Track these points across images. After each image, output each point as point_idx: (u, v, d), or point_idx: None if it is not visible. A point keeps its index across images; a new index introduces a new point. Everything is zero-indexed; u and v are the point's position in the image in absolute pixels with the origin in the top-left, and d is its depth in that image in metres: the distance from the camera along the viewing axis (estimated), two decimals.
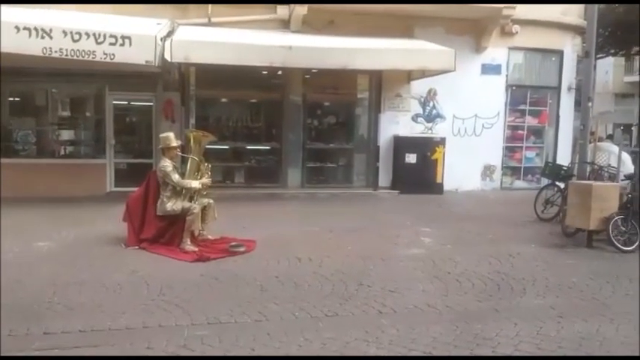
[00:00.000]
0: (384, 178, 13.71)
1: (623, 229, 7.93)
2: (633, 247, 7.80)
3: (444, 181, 13.50)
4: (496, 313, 5.14)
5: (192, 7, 12.30)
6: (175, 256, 6.96)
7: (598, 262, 7.24)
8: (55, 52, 9.57)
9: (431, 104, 14.06)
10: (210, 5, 12.22)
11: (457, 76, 12.66)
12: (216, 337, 4.42)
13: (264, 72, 12.76)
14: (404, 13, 12.70)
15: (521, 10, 13.29)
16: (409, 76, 13.57)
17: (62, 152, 12.94)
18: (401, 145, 13.51)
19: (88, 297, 5.32)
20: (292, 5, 12.32)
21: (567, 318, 5.02)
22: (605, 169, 9.45)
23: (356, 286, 5.85)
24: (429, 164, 13.36)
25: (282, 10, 12.71)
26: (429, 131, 13.97)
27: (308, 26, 12.42)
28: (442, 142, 13.52)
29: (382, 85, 13.66)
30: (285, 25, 12.78)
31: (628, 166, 9.37)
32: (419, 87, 13.83)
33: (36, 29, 9.44)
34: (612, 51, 21.69)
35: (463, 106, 14.03)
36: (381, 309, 5.20)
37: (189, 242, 7.26)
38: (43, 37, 9.47)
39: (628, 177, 8.75)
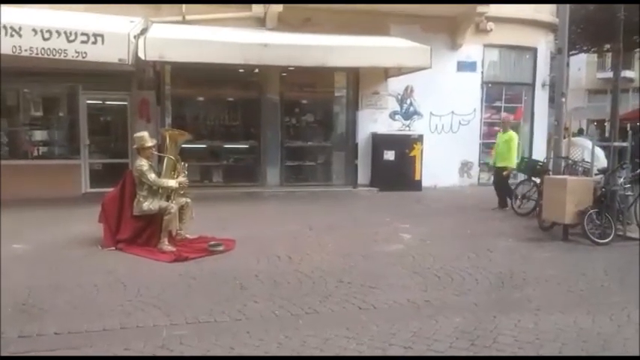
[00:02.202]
0: (363, 175, 13.73)
1: (598, 222, 8.05)
2: (608, 240, 7.93)
3: (422, 177, 13.58)
4: (475, 307, 5.17)
5: (165, 6, 12.19)
6: (153, 256, 6.88)
7: (574, 255, 7.34)
8: (25, 50, 9.39)
9: (408, 101, 14.13)
10: (184, 3, 12.10)
11: (433, 74, 12.72)
12: (195, 336, 4.38)
13: (241, 70, 12.72)
14: (380, 10, 12.75)
15: (495, 8, 13.43)
16: (386, 73, 13.62)
17: (35, 153, 12.71)
18: (379, 142, 13.56)
19: (64, 299, 5.23)
20: (268, 2, 12.26)
21: (544, 310, 5.06)
22: (580, 164, 9.57)
23: (336, 284, 5.83)
24: (407, 161, 13.43)
25: (257, 8, 12.68)
26: (407, 128, 14.05)
27: (284, 24, 12.39)
28: (420, 139, 13.60)
29: (359, 82, 13.68)
30: (260, 22, 12.75)
31: (601, 161, 9.50)
32: (396, 84, 13.90)
33: (5, 27, 9.23)
34: (585, 48, 22.02)
35: (440, 103, 14.14)
36: (361, 305, 5.19)
37: (167, 242, 7.18)
38: (12, 36, 9.28)
39: (601, 171, 8.88)
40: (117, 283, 5.76)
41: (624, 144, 9.32)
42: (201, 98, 13.97)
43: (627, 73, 28.34)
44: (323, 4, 11.99)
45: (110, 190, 7.83)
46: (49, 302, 5.12)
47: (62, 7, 10.94)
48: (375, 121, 13.89)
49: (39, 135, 12.85)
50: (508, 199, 10.76)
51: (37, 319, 4.72)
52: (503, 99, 15.02)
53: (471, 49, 14.33)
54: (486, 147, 14.95)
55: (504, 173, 10.80)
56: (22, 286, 5.57)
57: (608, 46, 20.60)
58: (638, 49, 24.65)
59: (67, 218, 9.41)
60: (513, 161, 10.92)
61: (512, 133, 10.98)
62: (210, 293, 5.48)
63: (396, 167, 13.34)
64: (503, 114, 12.23)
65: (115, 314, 4.85)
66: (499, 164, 10.99)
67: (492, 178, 11.54)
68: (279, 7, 12.06)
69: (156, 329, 4.54)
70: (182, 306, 5.06)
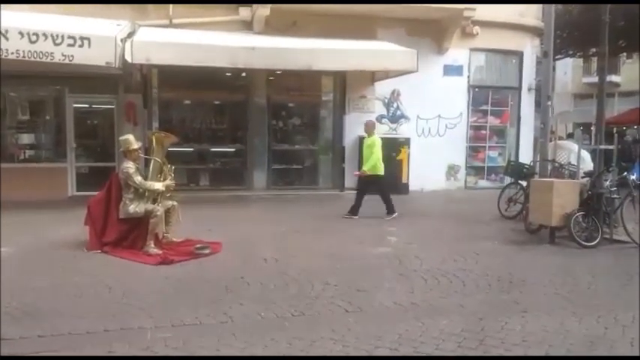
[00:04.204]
0: (350, 178, 13.70)
1: (584, 225, 8.09)
2: (594, 242, 7.96)
3: (409, 181, 13.60)
4: (461, 309, 5.17)
5: (152, 9, 12.15)
6: (139, 259, 6.83)
7: (560, 258, 7.37)
8: (12, 53, 9.34)
9: (395, 105, 14.16)
10: (171, 7, 12.07)
11: (420, 77, 12.75)
12: (180, 339, 4.33)
13: (228, 73, 12.68)
14: (366, 14, 12.79)
15: (481, 12, 13.50)
16: (373, 77, 13.65)
17: (22, 156, 12.60)
18: None
19: (48, 302, 5.16)
20: (255, 6, 12.27)
21: (531, 313, 5.07)
22: (566, 167, 9.63)
23: (322, 286, 5.82)
24: (394, 164, 13.39)
25: (244, 12, 12.65)
26: (394, 132, 14.07)
27: (271, 28, 12.37)
28: (407, 142, 13.63)
29: (346, 86, 13.72)
30: (247, 26, 12.72)
31: (587, 164, 9.57)
32: (383, 88, 13.93)
33: None
34: (570, 52, 22.19)
35: (426, 106, 14.18)
36: (348, 307, 5.17)
37: (152, 245, 7.13)
38: None
39: (587, 174, 8.94)
40: (102, 286, 5.70)
41: (610, 147, 9.39)
42: (188, 101, 13.92)
43: (613, 78, 28.57)
44: (311, 4, 11.93)
45: (96, 193, 7.75)
46: (32, 305, 5.06)
47: (50, 9, 10.88)
48: (362, 124, 13.82)
49: (25, 138, 12.75)
50: (357, 210, 10.21)
51: (20, 322, 4.66)
52: (490, 103, 15.10)
53: (458, 53, 14.38)
54: (473, 150, 15.05)
55: (355, 173, 10.46)
56: (5, 288, 5.47)
57: (593, 50, 20.79)
58: (623, 54, 24.92)
59: (53, 221, 9.32)
60: (379, 167, 10.22)
61: (375, 138, 10.42)
62: (196, 296, 5.45)
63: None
64: (368, 119, 11.35)
65: (100, 317, 4.79)
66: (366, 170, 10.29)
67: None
68: (266, 11, 12.04)
69: (140, 332, 4.50)
70: (167, 308, 5.02)
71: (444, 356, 4.21)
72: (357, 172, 10.39)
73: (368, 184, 10.33)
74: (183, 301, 5.26)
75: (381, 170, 10.28)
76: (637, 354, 4.30)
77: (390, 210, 10.28)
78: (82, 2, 11.44)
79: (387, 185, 10.62)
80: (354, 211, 10.22)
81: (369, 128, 10.66)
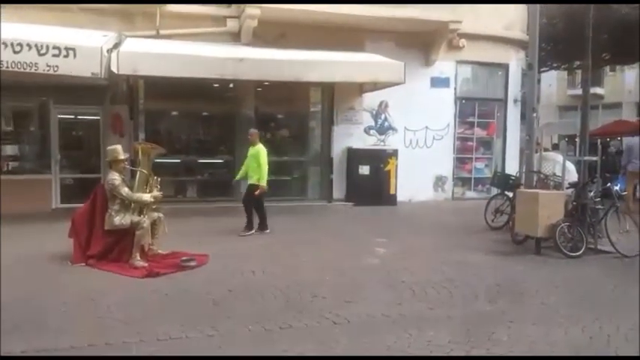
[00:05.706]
0: (338, 190, 13.72)
1: (570, 235, 8.15)
2: (579, 253, 8.02)
3: (397, 192, 13.61)
4: (449, 320, 5.17)
5: (139, 20, 12.09)
6: (124, 272, 6.76)
7: (546, 268, 7.41)
8: None
9: (383, 117, 14.21)
10: (158, 17, 11.98)
11: (408, 89, 12.81)
12: (166, 353, 4.29)
13: (216, 85, 12.65)
14: (354, 26, 12.84)
15: (467, 25, 13.61)
16: (361, 88, 13.68)
17: (5, 168, 12.41)
18: (354, 157, 13.59)
19: (31, 317, 5.09)
20: (242, 18, 12.27)
21: (517, 323, 5.09)
22: (551, 178, 9.70)
23: (310, 298, 5.80)
24: (382, 176, 13.47)
25: (232, 23, 12.64)
26: (382, 143, 14.11)
27: (259, 39, 12.36)
28: (394, 153, 13.67)
29: (335, 97, 13.72)
30: (235, 38, 12.72)
31: (572, 175, 9.64)
32: (371, 100, 13.97)
33: None
34: (555, 65, 22.43)
35: (414, 118, 14.24)
36: (335, 319, 5.15)
37: (138, 257, 7.07)
38: None
39: (572, 185, 9.01)
40: (86, 300, 5.63)
41: (594, 158, 9.48)
42: (175, 112, 13.86)
43: (597, 90, 28.90)
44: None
45: (81, 205, 7.68)
46: (16, 320, 4.97)
47: (35, 19, 10.81)
48: (351, 135, 13.92)
49: (9, 150, 12.57)
50: (258, 222, 9.74)
51: (3, 337, 4.57)
52: (476, 114, 15.21)
53: (444, 65, 14.49)
54: (460, 162, 15.13)
55: (256, 193, 9.61)
56: None
57: (577, 63, 21.01)
58: (606, 66, 25.24)
59: (37, 234, 9.21)
60: (264, 177, 9.70)
61: (259, 147, 9.91)
62: (183, 309, 5.40)
63: (371, 182, 13.37)
64: (252, 129, 10.51)
65: (84, 331, 4.73)
66: (250, 181, 9.85)
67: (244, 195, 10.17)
68: (253, 22, 12.05)
69: (125, 346, 4.45)
70: (153, 322, 4.97)
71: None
72: (258, 192, 9.59)
73: (253, 194, 9.72)
74: (170, 315, 5.21)
75: (263, 180, 9.73)
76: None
77: (263, 225, 9.76)
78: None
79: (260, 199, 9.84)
80: (263, 225, 9.75)
81: (254, 138, 10.15)
